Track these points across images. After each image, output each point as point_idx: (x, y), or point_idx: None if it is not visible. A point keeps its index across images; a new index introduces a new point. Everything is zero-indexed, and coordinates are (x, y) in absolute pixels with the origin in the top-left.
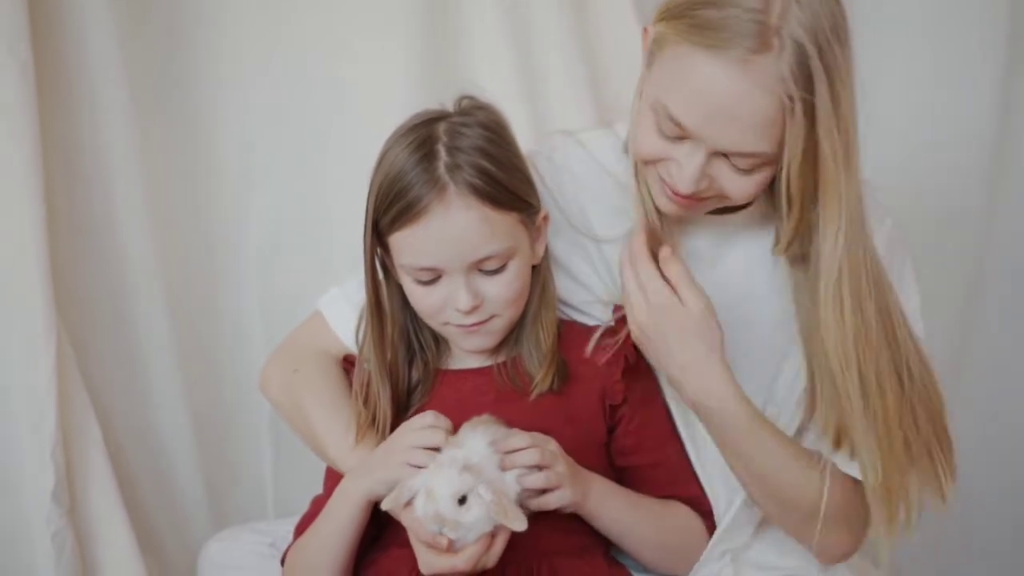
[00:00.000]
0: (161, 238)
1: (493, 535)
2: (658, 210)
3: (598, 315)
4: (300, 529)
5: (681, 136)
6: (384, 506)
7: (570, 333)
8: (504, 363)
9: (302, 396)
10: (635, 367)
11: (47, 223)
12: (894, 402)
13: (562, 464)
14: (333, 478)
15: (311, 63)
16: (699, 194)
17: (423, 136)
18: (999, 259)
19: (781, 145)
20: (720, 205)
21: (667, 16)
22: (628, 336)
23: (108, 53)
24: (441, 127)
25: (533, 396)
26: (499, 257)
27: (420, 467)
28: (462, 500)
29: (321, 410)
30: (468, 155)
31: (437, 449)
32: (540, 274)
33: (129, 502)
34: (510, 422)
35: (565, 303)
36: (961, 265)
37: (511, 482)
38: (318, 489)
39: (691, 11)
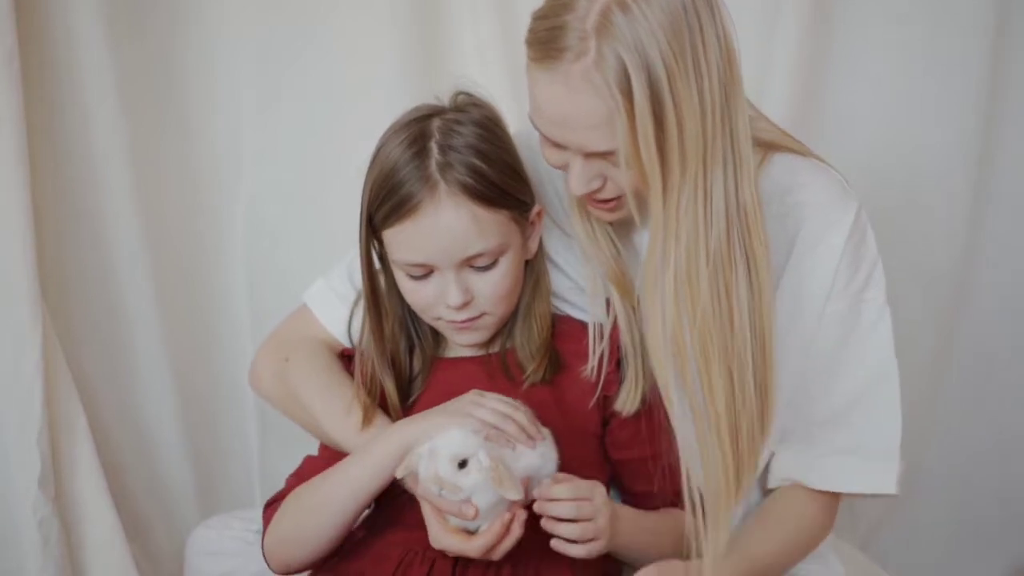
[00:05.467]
0: (148, 226)
1: (508, 526)
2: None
3: (580, 303)
4: (293, 483)
5: (558, 144)
6: (398, 473)
7: (564, 326)
8: (497, 353)
9: (296, 383)
10: None
11: (33, 211)
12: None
13: (603, 517)
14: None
15: (301, 54)
16: (600, 194)
17: (417, 132)
18: (984, 259)
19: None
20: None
21: (526, 34)
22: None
23: (96, 41)
24: (435, 124)
25: (525, 386)
26: (489, 254)
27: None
28: (463, 464)
29: (317, 394)
30: (460, 153)
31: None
32: (534, 268)
33: (115, 489)
34: None
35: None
36: (949, 266)
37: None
38: None
39: (531, 26)
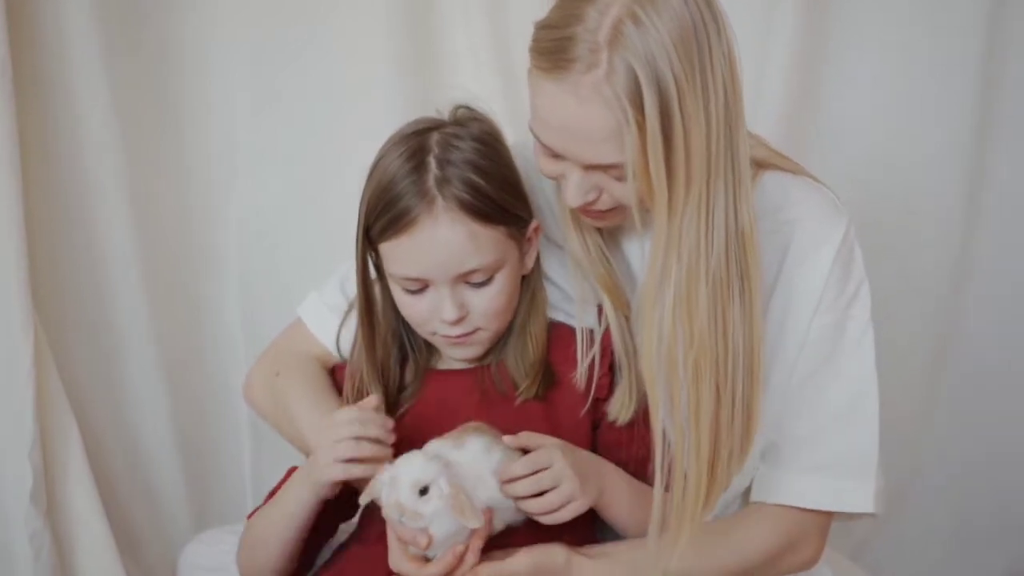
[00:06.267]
0: (141, 234)
1: (460, 557)
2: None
3: (572, 311)
4: (270, 497)
5: (556, 155)
6: (362, 500)
7: (556, 332)
8: (490, 367)
9: (285, 396)
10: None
11: (25, 220)
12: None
13: (568, 479)
14: None
15: (295, 56)
16: (595, 206)
17: (415, 147)
18: (980, 266)
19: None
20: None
21: (530, 43)
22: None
23: (89, 46)
24: (434, 138)
25: (518, 403)
26: (485, 270)
27: (352, 459)
28: (424, 491)
29: (304, 410)
30: (458, 169)
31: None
32: (530, 284)
33: (108, 503)
34: (494, 425)
35: None
36: (947, 269)
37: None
38: None
39: (537, 35)
